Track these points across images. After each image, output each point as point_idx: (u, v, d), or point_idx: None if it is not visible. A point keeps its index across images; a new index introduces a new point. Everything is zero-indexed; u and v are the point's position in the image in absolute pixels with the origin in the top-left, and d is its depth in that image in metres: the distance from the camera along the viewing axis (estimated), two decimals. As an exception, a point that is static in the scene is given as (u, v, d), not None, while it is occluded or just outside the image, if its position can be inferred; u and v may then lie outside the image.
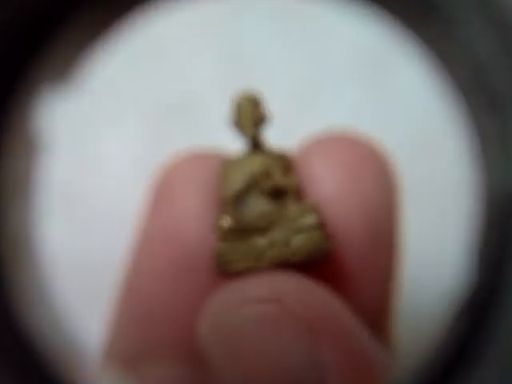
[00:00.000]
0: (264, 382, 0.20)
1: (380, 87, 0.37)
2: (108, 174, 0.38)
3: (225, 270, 0.22)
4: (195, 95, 0.38)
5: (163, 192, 0.24)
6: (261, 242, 0.22)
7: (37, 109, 0.15)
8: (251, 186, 0.23)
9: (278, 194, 0.23)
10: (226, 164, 0.24)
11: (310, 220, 0.22)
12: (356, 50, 0.39)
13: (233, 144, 0.24)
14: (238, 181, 0.23)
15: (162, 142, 0.37)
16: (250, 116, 0.23)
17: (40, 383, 0.15)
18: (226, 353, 0.20)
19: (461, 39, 0.15)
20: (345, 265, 0.23)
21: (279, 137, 0.24)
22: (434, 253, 0.35)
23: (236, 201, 0.23)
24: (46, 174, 0.16)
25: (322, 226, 0.22)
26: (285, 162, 0.23)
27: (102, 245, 0.36)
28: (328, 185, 0.23)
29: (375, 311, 0.24)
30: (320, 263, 0.22)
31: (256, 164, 0.23)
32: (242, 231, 0.22)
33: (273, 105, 0.24)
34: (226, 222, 0.22)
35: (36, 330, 0.15)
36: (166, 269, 0.23)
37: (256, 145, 0.23)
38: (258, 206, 0.23)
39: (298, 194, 0.23)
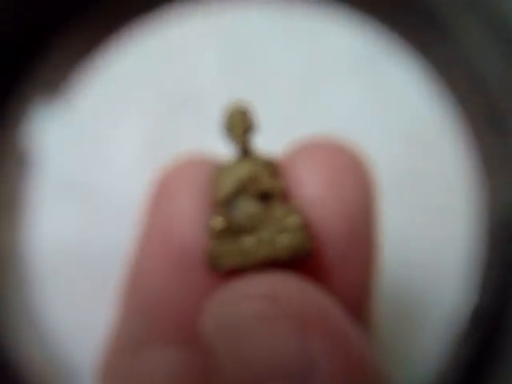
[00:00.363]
0: (262, 375, 0.21)
1: (377, 89, 0.37)
2: (112, 173, 0.37)
3: (215, 268, 0.24)
4: (197, 94, 0.38)
5: (161, 195, 0.26)
6: (249, 241, 0.24)
7: (27, 124, 0.15)
8: (240, 189, 0.25)
9: (265, 197, 0.25)
10: (218, 169, 0.25)
11: (293, 221, 0.24)
12: (353, 52, 0.39)
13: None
14: (228, 185, 0.25)
15: (164, 138, 0.37)
16: (239, 125, 0.25)
17: None
18: (225, 347, 0.22)
19: (460, 50, 0.15)
20: (326, 262, 0.25)
21: (279, 134, 0.26)
22: (438, 272, 0.35)
23: (226, 203, 0.25)
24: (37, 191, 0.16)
25: (304, 226, 0.24)
26: (272, 167, 0.25)
27: (103, 236, 0.36)
28: (312, 188, 0.25)
29: (355, 303, 0.25)
30: (303, 261, 0.24)
31: (245, 169, 0.25)
32: (232, 231, 0.24)
33: (272, 103, 0.23)
34: (218, 223, 0.24)
35: (22, 351, 0.15)
36: (164, 266, 0.25)
37: (245, 151, 0.25)
38: (246, 208, 0.24)
39: (285, 196, 0.25)
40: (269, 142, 0.26)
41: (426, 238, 0.35)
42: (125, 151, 0.38)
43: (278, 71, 0.38)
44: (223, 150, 0.26)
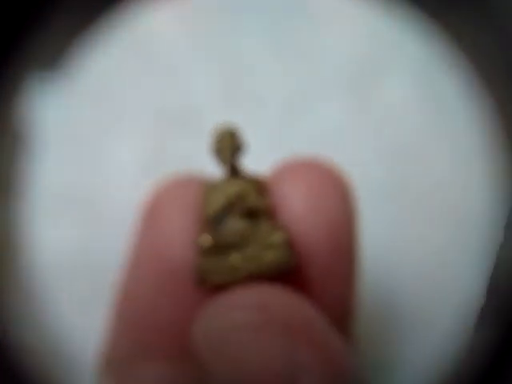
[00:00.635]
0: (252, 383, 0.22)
1: (368, 102, 0.38)
2: (110, 186, 0.38)
3: (204, 284, 0.25)
4: (193, 105, 0.39)
5: (152, 214, 0.28)
6: (236, 257, 0.26)
7: (24, 101, 0.15)
8: (228, 207, 0.26)
9: (252, 215, 0.26)
10: (207, 188, 0.27)
11: (278, 237, 0.26)
12: (345, 65, 0.40)
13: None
14: (216, 203, 0.26)
15: (162, 153, 0.39)
16: (228, 147, 0.26)
17: None
18: (216, 359, 0.23)
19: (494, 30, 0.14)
20: (310, 275, 0.26)
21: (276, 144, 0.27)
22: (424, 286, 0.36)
23: (215, 221, 0.26)
24: (37, 171, 0.16)
25: (288, 242, 0.26)
26: (259, 185, 0.27)
27: (102, 247, 0.37)
28: (295, 205, 0.26)
29: (338, 314, 0.27)
30: (287, 275, 0.26)
31: (233, 188, 0.26)
32: (220, 248, 0.26)
33: (267, 116, 0.24)
34: (206, 239, 0.26)
35: (23, 342, 0.14)
36: (154, 283, 0.26)
37: (233, 171, 0.27)
38: (234, 225, 0.26)
39: (271, 213, 0.26)
40: (246, 168, 0.27)
41: (412, 250, 0.36)
42: (123, 164, 0.39)
43: (272, 83, 0.39)
44: (205, 174, 0.28)
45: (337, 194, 0.27)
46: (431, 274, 0.35)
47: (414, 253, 0.36)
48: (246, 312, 0.23)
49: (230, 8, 0.40)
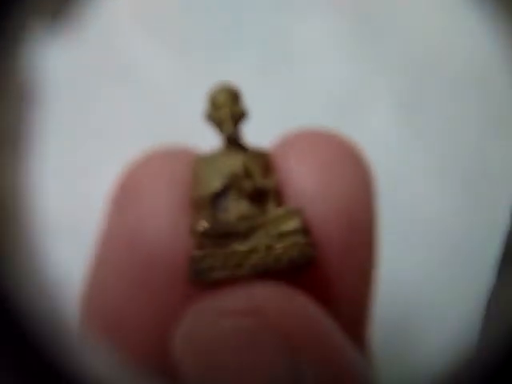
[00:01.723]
0: None
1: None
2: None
3: (200, 280, 0.20)
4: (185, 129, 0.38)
5: (128, 191, 0.22)
6: (240, 248, 0.21)
7: (27, 52, 0.14)
8: (229, 186, 0.21)
9: (258, 196, 0.21)
10: (201, 162, 0.22)
11: (293, 225, 0.21)
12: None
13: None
14: (214, 180, 0.21)
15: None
16: (227, 105, 0.22)
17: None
18: (201, 367, 0.19)
19: None
20: (322, 269, 0.22)
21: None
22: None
23: (212, 202, 0.21)
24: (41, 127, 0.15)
25: (305, 231, 0.21)
26: (264, 161, 0.22)
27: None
28: (305, 183, 0.22)
29: (354, 316, 0.23)
30: (302, 270, 0.21)
31: (235, 163, 0.21)
32: (219, 236, 0.21)
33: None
34: (202, 225, 0.21)
35: (23, 297, 0.14)
36: (130, 278, 0.21)
37: (233, 141, 0.22)
38: (236, 208, 0.21)
39: (279, 194, 0.22)
40: (247, 139, 0.22)
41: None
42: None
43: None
44: (198, 147, 0.23)
45: (354, 168, 0.22)
46: (440, 271, 0.34)
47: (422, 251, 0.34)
48: (236, 317, 0.19)
49: (220, 41, 0.39)
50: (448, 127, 0.38)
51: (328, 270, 0.22)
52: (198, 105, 0.22)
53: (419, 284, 0.34)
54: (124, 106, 0.38)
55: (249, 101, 0.22)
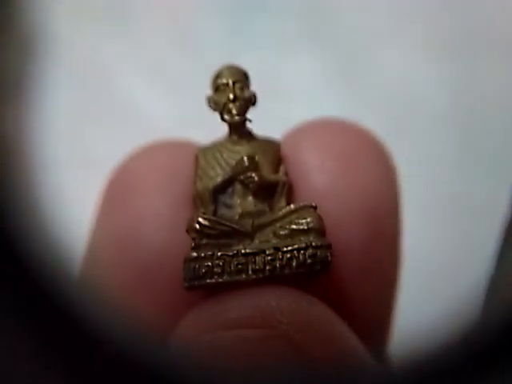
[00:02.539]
0: None
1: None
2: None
3: (198, 285, 0.18)
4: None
5: (122, 186, 0.20)
6: (243, 250, 0.18)
7: (31, 8, 0.14)
8: (234, 179, 0.19)
9: (265, 192, 0.19)
10: (205, 153, 0.20)
11: (305, 223, 0.18)
12: None
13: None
14: (217, 174, 0.19)
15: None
16: (237, 95, 0.19)
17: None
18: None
19: None
20: (339, 276, 0.19)
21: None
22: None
23: (215, 198, 0.19)
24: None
25: (320, 231, 0.18)
26: (274, 152, 0.20)
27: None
28: (321, 176, 0.19)
29: (374, 324, 0.20)
30: (314, 278, 0.18)
31: (241, 153, 0.19)
32: (219, 236, 0.18)
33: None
34: (198, 222, 0.18)
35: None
36: (124, 280, 0.19)
37: (240, 130, 0.19)
38: (241, 205, 0.19)
39: (290, 189, 0.19)
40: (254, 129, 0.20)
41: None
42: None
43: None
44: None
45: (375, 159, 0.20)
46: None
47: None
48: (242, 330, 0.17)
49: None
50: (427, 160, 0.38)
51: (345, 278, 0.19)
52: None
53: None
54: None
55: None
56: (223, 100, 0.19)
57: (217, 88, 0.19)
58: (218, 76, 0.20)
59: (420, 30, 0.40)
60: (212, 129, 0.20)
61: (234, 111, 0.19)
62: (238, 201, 0.19)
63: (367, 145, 0.20)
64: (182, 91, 0.38)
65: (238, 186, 0.19)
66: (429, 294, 0.32)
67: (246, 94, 0.19)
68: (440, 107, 0.39)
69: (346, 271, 0.19)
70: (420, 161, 0.22)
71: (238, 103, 0.19)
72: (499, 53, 0.39)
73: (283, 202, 0.19)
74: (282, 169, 0.19)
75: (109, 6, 0.38)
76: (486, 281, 0.17)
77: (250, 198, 0.19)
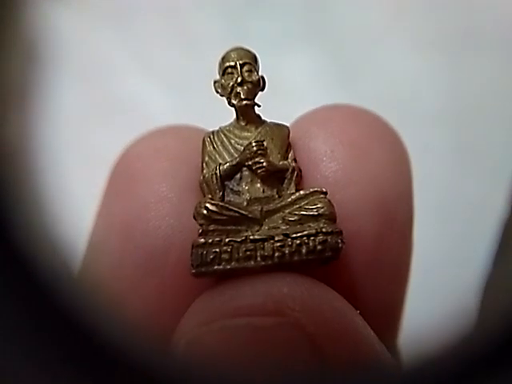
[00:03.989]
0: None
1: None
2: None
3: (205, 272, 0.18)
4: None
5: (128, 173, 0.19)
6: (252, 236, 0.18)
7: (34, 12, 0.14)
8: (242, 164, 0.18)
9: (274, 178, 0.19)
10: (212, 138, 0.19)
11: (316, 210, 0.18)
12: None
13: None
14: (226, 159, 0.19)
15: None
16: (245, 78, 0.19)
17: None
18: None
19: None
20: (349, 265, 0.19)
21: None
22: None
23: (222, 184, 0.18)
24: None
25: (331, 217, 0.18)
26: (282, 137, 0.19)
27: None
28: (330, 165, 0.19)
29: (386, 315, 0.20)
30: (324, 265, 0.18)
31: (249, 139, 0.19)
32: (227, 222, 0.18)
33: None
34: (206, 207, 0.18)
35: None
36: (130, 267, 0.19)
37: (248, 114, 0.19)
38: (249, 190, 0.18)
39: (299, 176, 0.19)
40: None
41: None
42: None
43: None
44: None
45: (388, 149, 0.19)
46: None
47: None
48: (253, 318, 0.16)
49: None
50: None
51: (356, 266, 0.19)
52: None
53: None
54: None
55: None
56: (230, 83, 0.19)
57: (224, 71, 0.19)
58: (225, 58, 0.19)
59: (418, 29, 0.40)
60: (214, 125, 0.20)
61: (242, 95, 0.19)
62: (246, 187, 0.18)
63: (378, 131, 0.20)
64: (182, 88, 0.38)
65: (245, 172, 0.19)
66: (426, 293, 0.32)
67: (254, 77, 0.19)
68: (437, 106, 0.39)
69: (357, 259, 0.19)
70: (416, 159, 0.22)
71: (245, 86, 0.19)
72: (498, 51, 0.39)
73: (292, 188, 0.19)
74: (290, 155, 0.19)
75: (109, 4, 0.38)
76: (483, 279, 0.17)
77: (258, 184, 0.18)
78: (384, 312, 0.20)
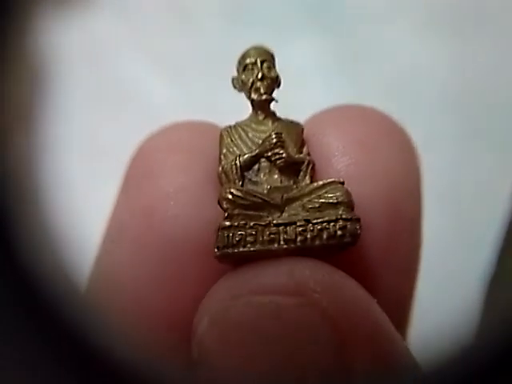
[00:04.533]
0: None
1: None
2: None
3: (228, 254, 0.18)
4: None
5: (144, 165, 0.20)
6: (276, 220, 0.18)
7: (38, 30, 0.13)
8: (261, 155, 0.19)
9: (290, 170, 0.19)
10: (230, 132, 0.20)
11: (336, 198, 0.18)
12: None
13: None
14: (244, 151, 0.19)
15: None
16: (265, 74, 0.20)
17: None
18: (229, 351, 0.17)
19: None
20: (365, 251, 0.19)
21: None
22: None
23: (242, 175, 0.19)
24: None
25: (350, 204, 0.18)
26: (297, 133, 0.20)
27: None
28: (344, 158, 0.19)
29: (396, 309, 0.20)
30: (341, 251, 0.19)
31: (267, 132, 0.19)
32: (250, 207, 0.18)
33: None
34: (231, 192, 0.18)
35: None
36: (153, 257, 0.19)
37: (265, 109, 0.20)
38: (268, 181, 0.19)
39: (313, 169, 0.20)
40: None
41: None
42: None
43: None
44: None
45: (398, 146, 0.20)
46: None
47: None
48: (277, 296, 0.17)
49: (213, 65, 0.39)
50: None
51: (369, 257, 0.19)
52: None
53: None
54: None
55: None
56: (251, 79, 0.20)
57: (244, 67, 0.20)
58: (245, 56, 0.20)
59: (421, 13, 0.40)
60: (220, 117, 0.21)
61: (262, 90, 0.20)
62: (265, 177, 0.19)
63: (389, 130, 0.20)
64: (184, 77, 0.38)
65: (264, 163, 0.19)
66: (432, 288, 0.32)
67: (273, 73, 0.20)
68: (443, 91, 0.39)
69: (370, 250, 0.19)
70: (423, 148, 0.22)
71: (265, 82, 0.20)
72: (502, 35, 0.38)
73: (308, 180, 0.19)
74: (305, 150, 0.20)
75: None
76: (486, 277, 0.17)
77: (276, 175, 0.19)
78: (394, 307, 0.20)
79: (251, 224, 0.18)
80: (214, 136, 0.20)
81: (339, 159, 0.20)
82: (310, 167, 0.19)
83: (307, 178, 0.19)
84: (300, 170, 0.19)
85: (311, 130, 0.20)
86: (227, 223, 0.18)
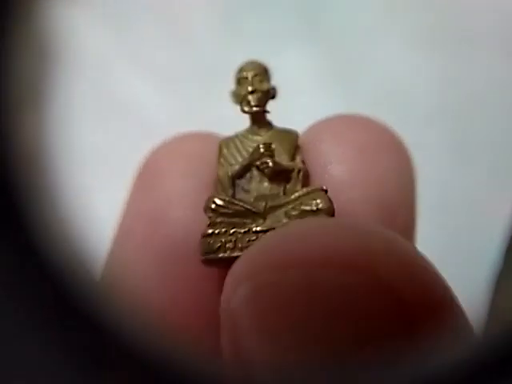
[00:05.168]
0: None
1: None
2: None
3: (212, 258, 0.19)
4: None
5: (151, 172, 0.21)
6: (255, 228, 0.19)
7: (49, 12, 0.13)
8: (251, 165, 0.20)
9: (281, 177, 0.20)
10: (227, 142, 0.21)
11: (316, 205, 0.19)
12: None
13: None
14: (238, 160, 0.20)
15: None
16: (256, 88, 0.21)
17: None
18: (266, 330, 0.15)
19: None
20: None
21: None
22: None
23: (234, 182, 0.20)
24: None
25: (329, 211, 0.19)
26: (291, 141, 0.21)
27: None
28: (339, 166, 0.20)
29: None
30: None
31: (259, 142, 0.20)
32: (234, 215, 0.19)
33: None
34: (214, 202, 0.19)
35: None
36: (152, 259, 0.20)
37: (258, 120, 0.21)
38: (257, 188, 0.20)
39: (305, 177, 0.20)
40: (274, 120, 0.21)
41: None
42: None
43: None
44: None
45: (392, 153, 0.20)
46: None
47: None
48: (330, 270, 0.16)
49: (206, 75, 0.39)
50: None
51: None
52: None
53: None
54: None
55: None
56: (243, 92, 0.21)
57: (238, 81, 0.21)
58: (239, 70, 0.21)
59: (414, 26, 0.40)
60: (216, 126, 0.22)
61: (252, 102, 0.20)
62: (255, 186, 0.20)
63: (386, 140, 0.21)
64: (179, 88, 0.38)
65: (255, 172, 0.20)
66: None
67: (265, 86, 0.21)
68: (435, 104, 0.39)
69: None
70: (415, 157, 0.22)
71: (256, 95, 0.21)
72: (497, 49, 0.39)
73: (298, 187, 0.20)
74: (298, 157, 0.20)
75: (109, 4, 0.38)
76: (488, 286, 0.17)
77: (266, 183, 0.20)
78: None
79: (231, 231, 0.19)
80: (216, 145, 0.21)
81: (335, 166, 0.20)
82: (300, 174, 0.20)
83: (298, 185, 0.20)
84: (291, 178, 0.20)
85: (308, 138, 0.21)
86: (209, 231, 0.19)
